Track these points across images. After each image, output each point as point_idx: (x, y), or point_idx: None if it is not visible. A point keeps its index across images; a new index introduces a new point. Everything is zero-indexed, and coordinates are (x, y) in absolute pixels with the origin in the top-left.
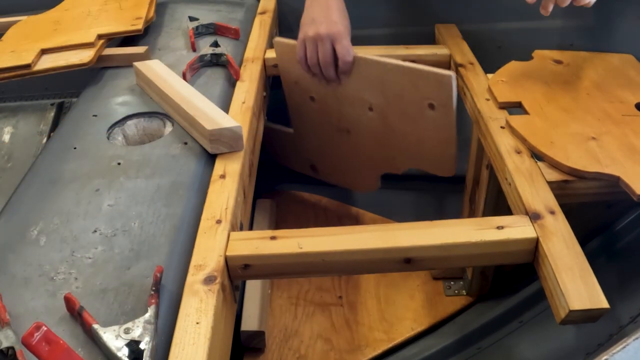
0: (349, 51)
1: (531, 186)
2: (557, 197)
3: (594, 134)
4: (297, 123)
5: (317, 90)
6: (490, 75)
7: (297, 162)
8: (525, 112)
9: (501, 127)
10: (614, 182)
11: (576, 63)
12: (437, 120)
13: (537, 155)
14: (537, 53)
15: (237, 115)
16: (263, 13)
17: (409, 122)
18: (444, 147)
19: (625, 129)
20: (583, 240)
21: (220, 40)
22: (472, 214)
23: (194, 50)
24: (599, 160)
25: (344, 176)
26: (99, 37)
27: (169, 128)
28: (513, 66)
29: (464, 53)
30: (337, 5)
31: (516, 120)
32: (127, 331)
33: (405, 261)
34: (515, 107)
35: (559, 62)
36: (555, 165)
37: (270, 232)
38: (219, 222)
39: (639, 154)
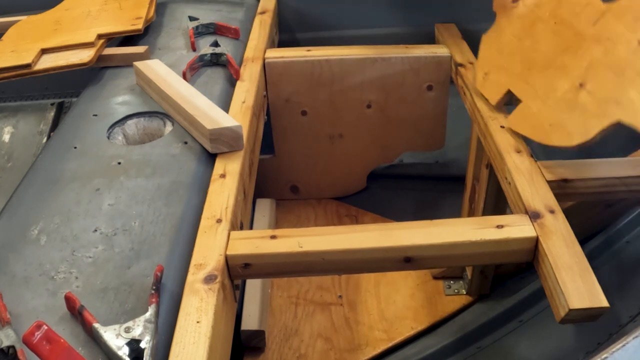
0: None
1: (531, 185)
2: (557, 196)
3: (580, 78)
4: (281, 144)
5: (311, 103)
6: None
7: (275, 188)
8: (518, 100)
9: (501, 126)
10: (615, 183)
11: None
12: (433, 99)
13: (539, 153)
14: (496, 4)
15: (237, 114)
16: (263, 13)
17: (407, 107)
18: (436, 122)
19: (603, 43)
20: (583, 239)
21: (220, 40)
22: (471, 213)
23: (194, 50)
24: (596, 114)
25: (331, 185)
26: (99, 36)
27: (169, 127)
28: (485, 43)
29: (464, 53)
30: None
31: (513, 120)
32: (127, 330)
33: (405, 260)
34: (509, 99)
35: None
36: (565, 148)
37: (271, 232)
38: (219, 221)
39: (625, 72)
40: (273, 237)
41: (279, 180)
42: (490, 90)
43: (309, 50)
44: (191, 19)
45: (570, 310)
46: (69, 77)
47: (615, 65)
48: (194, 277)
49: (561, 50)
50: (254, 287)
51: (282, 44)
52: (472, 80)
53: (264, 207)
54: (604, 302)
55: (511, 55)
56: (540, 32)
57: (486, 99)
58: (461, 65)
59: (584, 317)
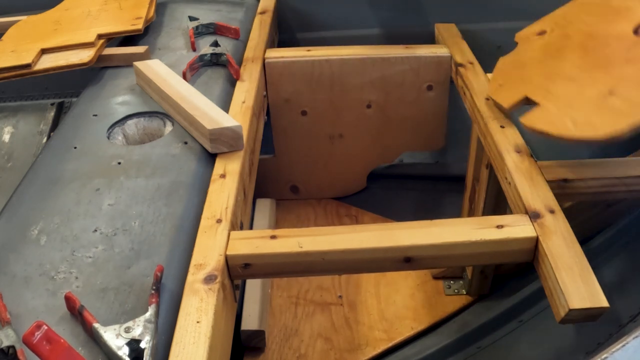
0: None
1: (531, 185)
2: (557, 196)
3: (610, 87)
4: (281, 144)
5: (311, 103)
6: (489, 75)
7: (275, 188)
8: (535, 104)
9: (501, 126)
10: (615, 183)
11: (559, 24)
12: (433, 99)
13: (539, 154)
14: (519, 36)
15: (237, 114)
16: (263, 13)
17: (407, 107)
18: (437, 122)
19: (636, 64)
20: (583, 239)
21: (220, 40)
22: (471, 213)
23: (194, 50)
24: (627, 113)
25: (331, 185)
26: (99, 36)
27: (169, 127)
28: (503, 63)
29: (463, 53)
30: None
31: (529, 117)
32: (127, 330)
33: (405, 260)
34: (525, 105)
35: (542, 32)
36: (590, 142)
37: (271, 232)
38: (219, 221)
39: None
40: (273, 237)
41: (279, 180)
42: (505, 96)
43: (309, 50)
44: (191, 19)
45: (570, 310)
46: (69, 77)
47: None
48: (194, 277)
49: (590, 67)
50: (254, 287)
51: (282, 44)
52: (476, 78)
53: (264, 207)
54: (604, 302)
55: (531, 70)
56: (567, 55)
57: (488, 98)
58: (461, 65)
59: (584, 317)
